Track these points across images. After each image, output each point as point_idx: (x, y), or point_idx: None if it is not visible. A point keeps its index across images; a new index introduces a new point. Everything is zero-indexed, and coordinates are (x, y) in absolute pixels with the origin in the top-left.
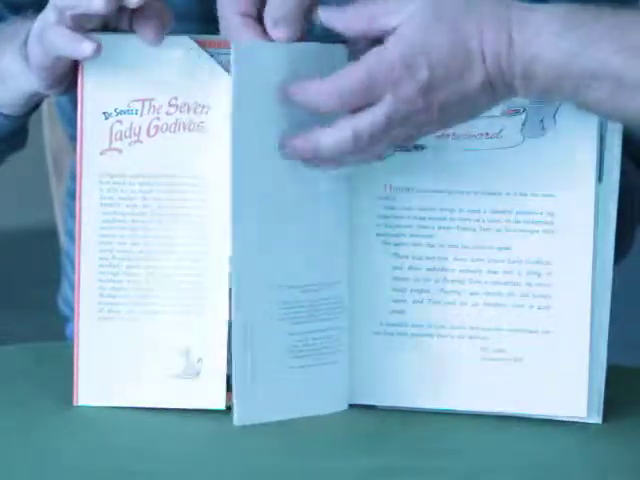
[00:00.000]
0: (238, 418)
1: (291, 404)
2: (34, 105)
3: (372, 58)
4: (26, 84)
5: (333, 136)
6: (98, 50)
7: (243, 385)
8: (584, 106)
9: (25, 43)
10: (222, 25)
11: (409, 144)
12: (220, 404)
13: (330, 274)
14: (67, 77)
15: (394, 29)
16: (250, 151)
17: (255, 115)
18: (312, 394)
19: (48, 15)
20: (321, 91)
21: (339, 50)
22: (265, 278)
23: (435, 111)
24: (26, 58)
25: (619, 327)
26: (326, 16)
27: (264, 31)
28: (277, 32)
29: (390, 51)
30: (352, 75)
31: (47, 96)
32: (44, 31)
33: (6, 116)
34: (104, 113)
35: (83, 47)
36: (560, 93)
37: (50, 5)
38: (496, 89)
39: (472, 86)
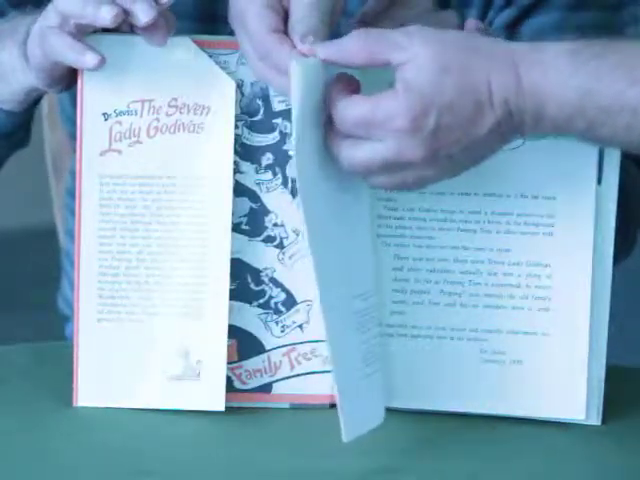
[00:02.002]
0: (346, 434)
1: (372, 412)
2: (34, 101)
3: (381, 99)
4: (25, 80)
5: (338, 154)
6: (101, 62)
7: (349, 401)
8: (598, 141)
9: (24, 40)
10: (251, 41)
11: (419, 188)
12: (219, 405)
13: (370, 281)
14: (66, 78)
15: (399, 66)
16: (311, 167)
17: (312, 130)
18: (379, 401)
19: (50, 17)
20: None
21: None
22: (345, 290)
23: (442, 160)
24: (25, 55)
25: (619, 327)
26: (325, 53)
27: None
28: (305, 47)
29: (398, 99)
30: (357, 108)
31: (46, 92)
32: (45, 35)
33: (7, 112)
34: (104, 114)
35: (86, 59)
36: (573, 131)
37: (52, 8)
38: (505, 132)
39: (481, 132)
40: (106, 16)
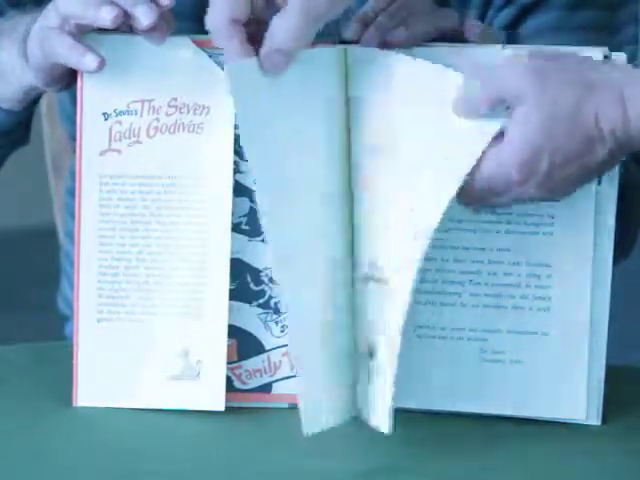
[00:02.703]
0: (307, 427)
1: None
2: (33, 100)
3: (490, 164)
4: (24, 78)
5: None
6: (102, 64)
7: (312, 392)
8: None
9: (24, 39)
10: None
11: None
12: (219, 405)
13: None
14: (65, 77)
15: (510, 110)
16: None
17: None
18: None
19: (50, 17)
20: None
21: (330, 53)
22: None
23: (556, 192)
24: (24, 54)
25: (619, 327)
26: (458, 109)
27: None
28: (270, 62)
29: (508, 157)
30: (474, 186)
31: (46, 91)
32: (46, 35)
33: (6, 111)
34: (103, 114)
35: (87, 61)
36: None
37: (52, 8)
38: (617, 157)
39: (593, 164)
40: (106, 17)
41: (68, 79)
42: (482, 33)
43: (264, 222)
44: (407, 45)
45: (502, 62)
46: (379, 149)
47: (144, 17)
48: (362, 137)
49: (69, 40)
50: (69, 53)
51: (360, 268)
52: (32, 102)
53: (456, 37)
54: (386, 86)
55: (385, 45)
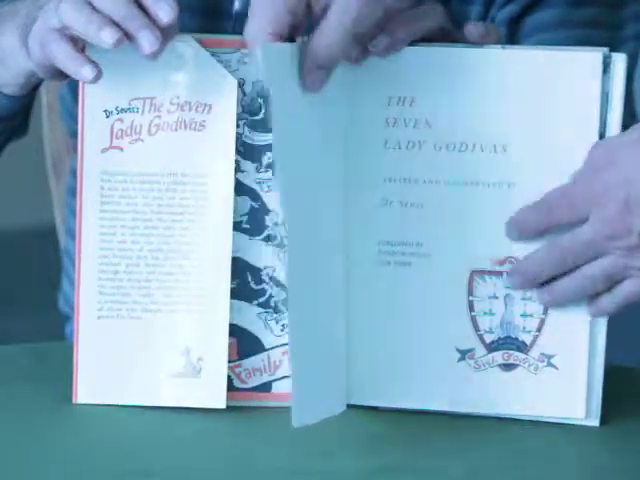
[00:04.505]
0: (297, 419)
1: (331, 399)
2: (34, 85)
3: (566, 239)
4: (26, 64)
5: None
6: (98, 77)
7: (304, 382)
8: None
9: (26, 25)
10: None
11: None
12: (220, 403)
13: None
14: (65, 73)
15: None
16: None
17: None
18: (339, 388)
19: (51, 18)
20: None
21: None
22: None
23: None
24: (25, 42)
25: (619, 327)
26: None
27: None
28: (312, 79)
29: (586, 232)
30: (545, 257)
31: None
32: (46, 37)
33: (7, 96)
34: (105, 111)
35: (84, 72)
36: None
37: (54, 9)
38: None
39: None
40: (108, 40)
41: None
42: (485, 33)
43: (284, 210)
44: (390, 52)
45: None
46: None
47: (148, 45)
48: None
49: (68, 48)
50: (67, 61)
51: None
52: (33, 88)
53: (448, 35)
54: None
55: (367, 55)
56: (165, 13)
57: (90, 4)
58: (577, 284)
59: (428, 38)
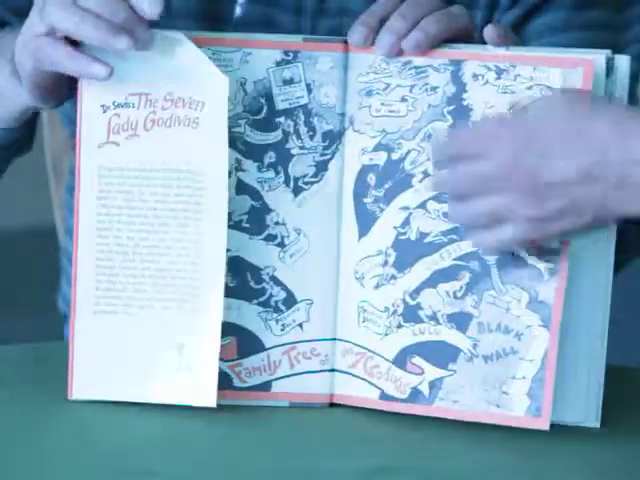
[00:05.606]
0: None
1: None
2: (31, 118)
3: (464, 168)
4: (19, 99)
5: None
6: (111, 72)
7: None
8: None
9: (13, 57)
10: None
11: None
12: (211, 401)
13: None
14: (62, 89)
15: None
16: None
17: None
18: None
19: (36, 26)
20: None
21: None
22: None
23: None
24: (15, 72)
25: (619, 327)
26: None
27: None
28: (415, 40)
29: (483, 167)
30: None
31: (42, 109)
32: (37, 45)
33: (4, 129)
34: (102, 106)
35: (95, 70)
36: None
37: (36, 15)
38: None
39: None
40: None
41: (65, 91)
42: (503, 35)
43: None
44: (422, 50)
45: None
46: None
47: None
48: None
49: (68, 49)
50: (71, 63)
51: None
52: (31, 119)
53: (465, 36)
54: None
55: (399, 52)
56: (150, 5)
57: (74, 3)
58: (465, 214)
59: (452, 39)
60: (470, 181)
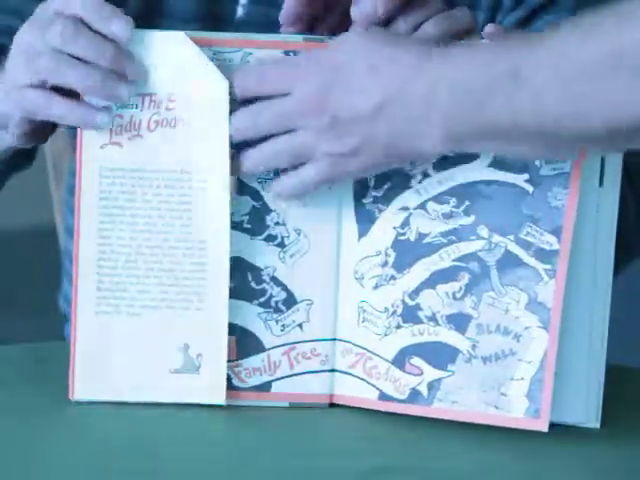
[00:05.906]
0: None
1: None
2: (20, 152)
3: (265, 104)
4: (2, 143)
5: None
6: (110, 121)
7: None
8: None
9: None
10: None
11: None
12: (219, 399)
13: None
14: (46, 131)
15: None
16: None
17: None
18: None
19: (20, 77)
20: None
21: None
22: None
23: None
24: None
25: (619, 327)
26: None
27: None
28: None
29: (284, 103)
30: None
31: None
32: (24, 96)
33: None
34: (104, 107)
35: (98, 120)
36: None
37: (20, 66)
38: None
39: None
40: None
41: (49, 131)
42: (503, 35)
43: None
44: None
45: None
46: None
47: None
48: None
49: (67, 102)
50: (74, 116)
51: None
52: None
53: (468, 38)
54: None
55: None
56: (119, 28)
57: (66, 55)
58: (264, 154)
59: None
60: (271, 118)
